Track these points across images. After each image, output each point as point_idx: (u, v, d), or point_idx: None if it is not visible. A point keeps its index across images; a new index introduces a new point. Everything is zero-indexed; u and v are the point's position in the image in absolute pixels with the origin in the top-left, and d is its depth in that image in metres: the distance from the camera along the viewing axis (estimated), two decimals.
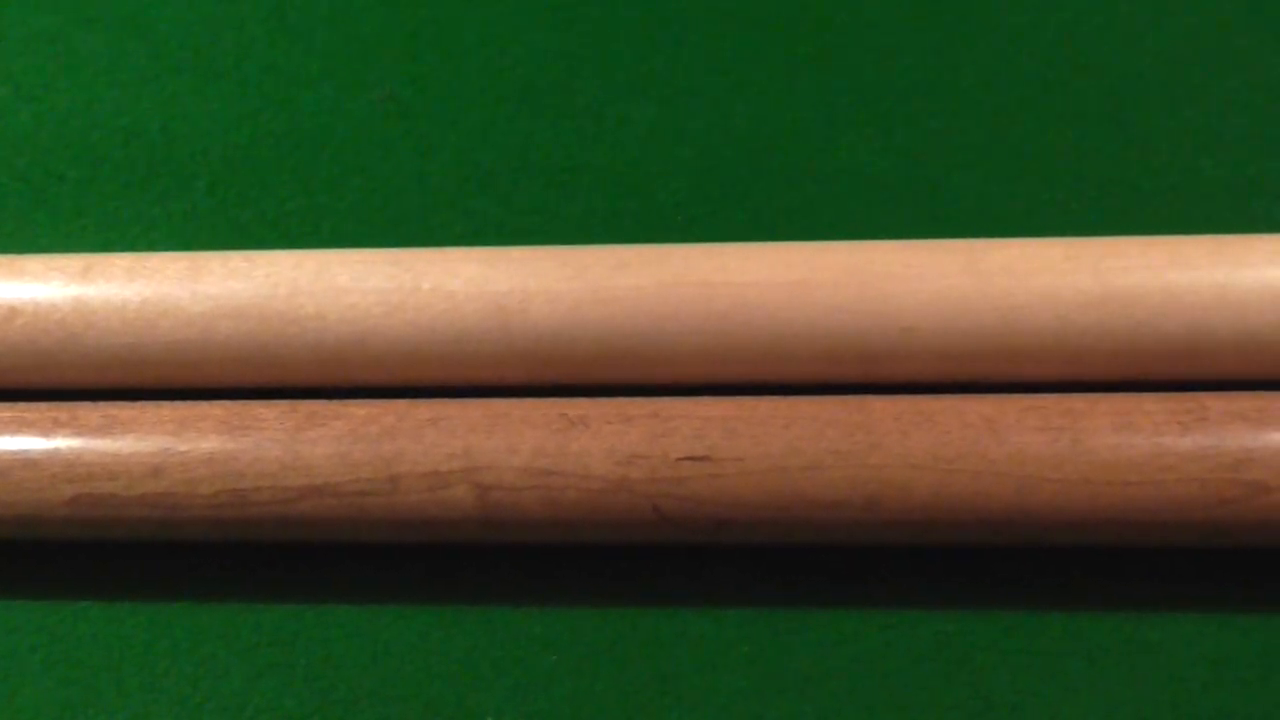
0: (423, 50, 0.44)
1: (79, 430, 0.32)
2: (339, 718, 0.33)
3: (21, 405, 0.33)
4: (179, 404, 0.33)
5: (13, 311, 0.34)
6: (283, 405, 0.33)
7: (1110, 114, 0.41)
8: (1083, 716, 0.32)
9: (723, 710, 0.32)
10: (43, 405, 0.33)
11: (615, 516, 0.31)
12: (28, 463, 0.32)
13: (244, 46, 0.44)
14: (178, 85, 0.43)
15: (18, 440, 0.32)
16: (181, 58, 0.44)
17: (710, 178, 0.40)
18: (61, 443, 0.32)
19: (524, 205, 0.40)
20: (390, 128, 0.42)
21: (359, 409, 0.32)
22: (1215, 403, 0.31)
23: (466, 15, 0.44)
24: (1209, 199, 0.39)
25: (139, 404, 0.33)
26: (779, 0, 0.44)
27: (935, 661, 0.33)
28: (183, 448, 0.32)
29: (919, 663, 0.33)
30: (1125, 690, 0.32)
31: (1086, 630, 0.33)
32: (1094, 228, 0.35)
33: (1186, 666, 0.32)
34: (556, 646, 0.33)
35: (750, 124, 0.41)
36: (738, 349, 0.33)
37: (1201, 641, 0.33)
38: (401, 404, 0.33)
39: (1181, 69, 0.41)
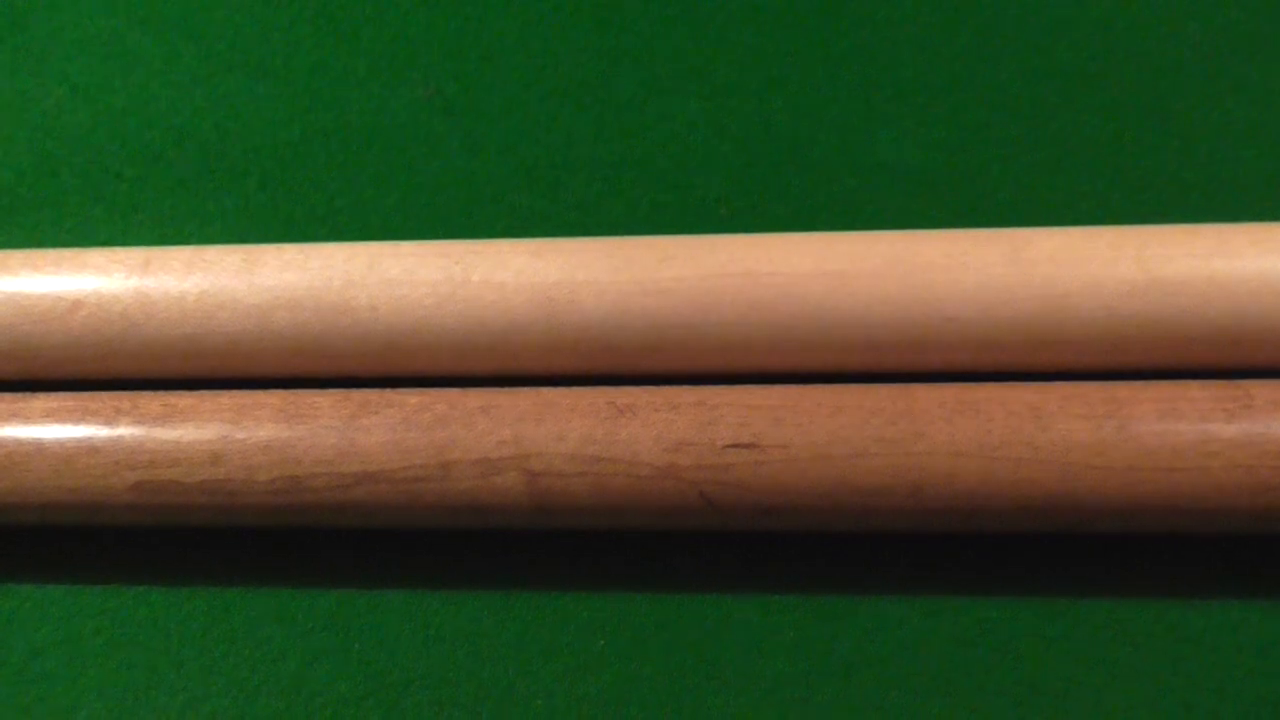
0: (467, 48, 0.44)
1: (140, 419, 0.33)
2: (392, 700, 0.33)
3: (85, 394, 0.34)
4: (237, 393, 0.34)
5: (77, 303, 0.34)
6: (337, 394, 0.33)
7: (1152, 104, 0.40)
8: (1126, 702, 0.32)
9: (768, 694, 0.33)
10: (105, 394, 0.34)
11: (662, 503, 0.32)
12: (91, 450, 0.33)
13: (293, 47, 0.45)
14: (229, 85, 0.44)
15: (81, 428, 0.33)
16: (233, 58, 0.45)
17: (753, 170, 0.41)
18: (124, 430, 0.33)
19: (570, 199, 0.41)
20: (436, 124, 0.43)
21: (411, 397, 0.33)
22: (1260, 390, 0.31)
23: (510, 13, 0.45)
24: (1252, 187, 0.39)
25: (198, 393, 0.34)
26: None
27: (980, 647, 0.33)
28: (240, 435, 0.32)
29: (964, 648, 0.33)
30: (1169, 676, 0.32)
31: (1131, 616, 0.33)
32: (1137, 216, 0.35)
33: (1231, 653, 0.32)
34: (604, 630, 0.34)
35: (791, 117, 0.42)
36: (782, 338, 0.33)
37: (1246, 628, 0.33)
38: (453, 392, 0.33)
39: (1223, 58, 0.41)
